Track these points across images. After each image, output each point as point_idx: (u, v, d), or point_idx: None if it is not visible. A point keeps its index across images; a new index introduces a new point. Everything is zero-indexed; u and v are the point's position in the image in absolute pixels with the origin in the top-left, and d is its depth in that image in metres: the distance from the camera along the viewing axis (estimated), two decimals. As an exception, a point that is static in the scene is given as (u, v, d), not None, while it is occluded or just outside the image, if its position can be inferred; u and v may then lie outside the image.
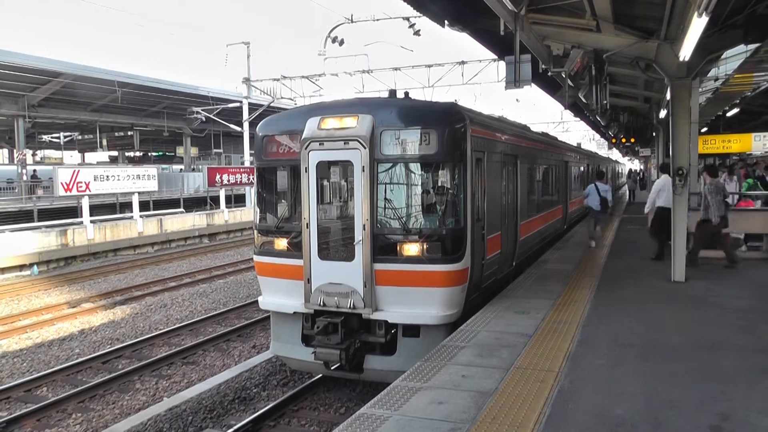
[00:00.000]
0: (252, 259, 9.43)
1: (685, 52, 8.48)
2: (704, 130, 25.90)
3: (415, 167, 7.99)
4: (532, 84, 13.31)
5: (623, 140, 31.37)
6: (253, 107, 35.80)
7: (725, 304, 8.73)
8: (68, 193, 23.52)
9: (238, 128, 36.94)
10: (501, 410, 5.03)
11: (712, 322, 7.78)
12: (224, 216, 31.81)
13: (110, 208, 30.38)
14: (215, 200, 34.67)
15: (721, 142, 23.77)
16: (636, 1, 9.38)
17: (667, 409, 5.01)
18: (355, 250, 7.81)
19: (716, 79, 16.40)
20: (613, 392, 5.40)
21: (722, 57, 12.72)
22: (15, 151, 38.60)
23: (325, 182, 8.41)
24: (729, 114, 24.63)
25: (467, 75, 29.86)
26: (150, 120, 42.05)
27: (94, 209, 25.92)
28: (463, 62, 29.77)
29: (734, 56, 13.18)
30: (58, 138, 49.51)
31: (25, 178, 33.43)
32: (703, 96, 18.27)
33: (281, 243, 8.50)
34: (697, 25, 6.94)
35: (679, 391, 5.39)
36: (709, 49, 9.70)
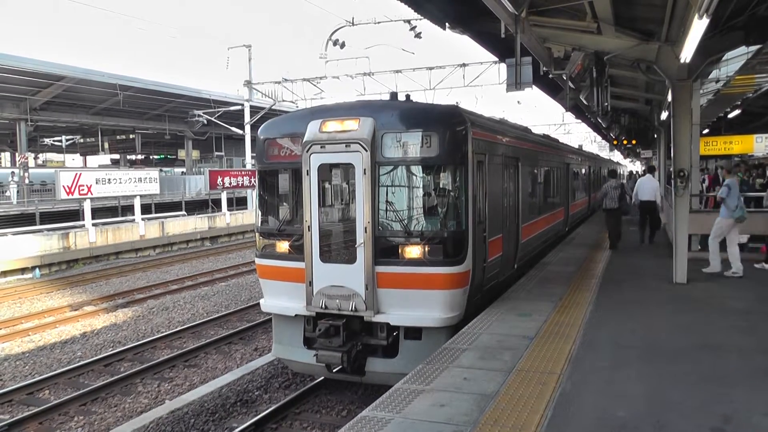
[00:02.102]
0: (254, 261, 9.44)
1: (686, 53, 8.48)
2: (706, 131, 25.87)
3: (417, 170, 7.98)
4: (533, 86, 13.35)
5: (624, 142, 31.35)
6: (254, 110, 35.90)
7: (727, 306, 8.73)
8: (70, 197, 23.54)
9: (239, 131, 37.02)
10: (503, 413, 5.03)
11: (713, 324, 7.77)
12: (226, 219, 31.85)
13: (112, 211, 30.44)
14: (217, 203, 34.72)
15: (723, 144, 23.72)
16: (636, 3, 9.39)
17: (669, 411, 5.00)
18: (357, 253, 7.81)
19: (717, 81, 16.37)
20: (615, 394, 5.40)
21: (723, 59, 12.71)
22: (17, 154, 38.68)
23: (327, 185, 8.42)
24: (731, 116, 24.60)
25: (468, 77, 29.94)
26: (152, 123, 42.20)
27: (96, 212, 25.96)
28: (464, 65, 29.83)
29: (735, 58, 13.15)
30: (60, 141, 49.64)
31: (27, 181, 33.53)
32: (704, 98, 18.24)
33: (283, 246, 8.51)
34: (698, 26, 6.93)
35: (681, 393, 5.39)
36: (710, 50, 9.69)
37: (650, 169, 18.53)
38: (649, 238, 15.62)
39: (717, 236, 10.88)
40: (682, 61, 9.04)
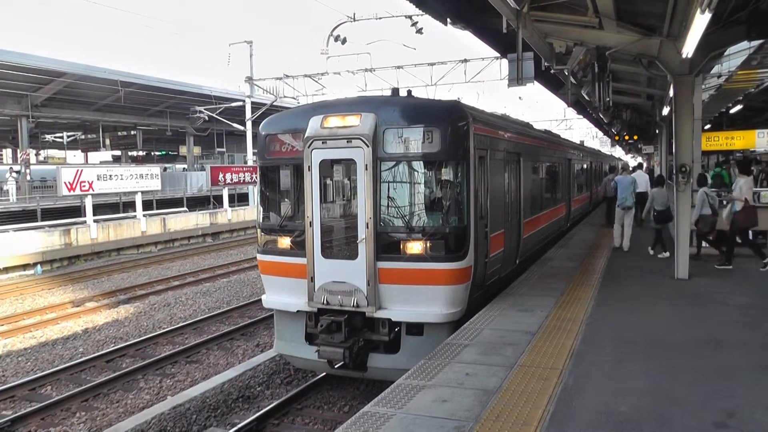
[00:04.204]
0: (255, 257, 9.44)
1: (688, 48, 8.45)
2: (707, 126, 25.82)
3: (418, 165, 7.97)
4: (535, 81, 13.33)
5: (626, 137, 31.28)
6: (255, 106, 35.86)
7: (729, 301, 8.73)
8: (72, 193, 23.55)
9: (241, 127, 36.99)
10: (505, 408, 5.03)
11: (716, 319, 7.77)
12: (227, 215, 31.85)
13: (113, 207, 30.44)
14: (218, 199, 34.72)
15: (725, 139, 23.66)
16: (638, -2, 9.37)
17: (671, 406, 5.00)
18: (359, 249, 7.81)
19: (719, 76, 16.34)
20: (618, 389, 5.39)
21: (725, 54, 12.68)
22: (18, 150, 38.68)
23: (328, 181, 8.41)
24: (732, 111, 24.54)
25: (470, 73, 29.92)
26: (153, 119, 42.18)
27: (98, 208, 25.97)
28: (465, 60, 29.77)
29: (737, 53, 13.12)
30: (62, 138, 49.63)
31: (28, 177, 33.53)
32: (706, 93, 18.21)
33: (284, 242, 8.51)
34: (700, 21, 6.91)
35: (683, 388, 5.39)
36: (712, 45, 9.67)
37: (639, 166, 23.67)
38: (639, 221, 16.51)
39: (617, 221, 14.17)
40: (683, 56, 9.01)
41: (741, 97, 21.57)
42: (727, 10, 9.01)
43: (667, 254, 12.29)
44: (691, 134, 10.38)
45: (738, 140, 23.51)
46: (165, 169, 48.85)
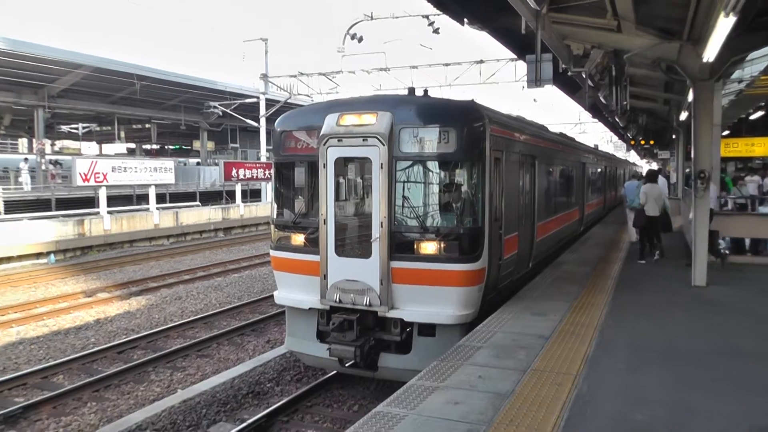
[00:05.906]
0: (268, 254, 9.43)
1: (710, 53, 8.32)
2: (726, 132, 25.53)
3: (434, 165, 7.94)
4: (552, 84, 13.22)
5: (642, 142, 31.06)
6: (270, 103, 35.95)
7: (748, 310, 8.59)
8: (86, 183, 23.73)
9: (254, 123, 37.09)
10: (518, 413, 4.98)
11: (734, 328, 7.65)
12: (240, 210, 31.94)
13: (127, 199, 30.62)
14: (231, 194, 34.81)
15: (744, 146, 23.36)
16: (658, 2, 9.22)
17: (689, 417, 4.92)
18: (372, 248, 7.78)
19: (740, 81, 16.14)
20: (633, 398, 5.32)
21: (747, 58, 12.50)
22: (34, 140, 39.00)
23: (342, 179, 8.40)
24: (752, 117, 24.26)
25: (485, 74, 29.80)
26: (167, 113, 42.35)
27: (111, 200, 26.12)
28: (481, 61, 29.69)
29: (760, 57, 12.93)
30: (77, 129, 49.96)
31: (44, 167, 33.80)
32: (726, 98, 18.00)
33: (298, 238, 8.51)
34: (724, 25, 6.80)
35: (702, 400, 5.29)
36: (735, 50, 9.50)
37: (659, 171, 25.22)
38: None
39: (629, 219, 15.69)
40: (704, 60, 8.88)
41: (763, 103, 21.29)
42: (752, 14, 8.86)
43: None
44: (710, 140, 10.25)
45: (759, 147, 23.18)
46: (198, 163, 49.20)
